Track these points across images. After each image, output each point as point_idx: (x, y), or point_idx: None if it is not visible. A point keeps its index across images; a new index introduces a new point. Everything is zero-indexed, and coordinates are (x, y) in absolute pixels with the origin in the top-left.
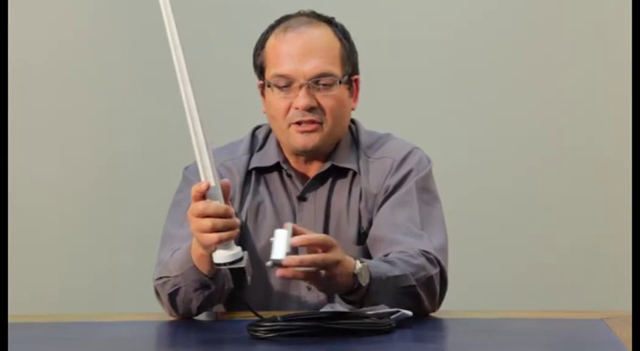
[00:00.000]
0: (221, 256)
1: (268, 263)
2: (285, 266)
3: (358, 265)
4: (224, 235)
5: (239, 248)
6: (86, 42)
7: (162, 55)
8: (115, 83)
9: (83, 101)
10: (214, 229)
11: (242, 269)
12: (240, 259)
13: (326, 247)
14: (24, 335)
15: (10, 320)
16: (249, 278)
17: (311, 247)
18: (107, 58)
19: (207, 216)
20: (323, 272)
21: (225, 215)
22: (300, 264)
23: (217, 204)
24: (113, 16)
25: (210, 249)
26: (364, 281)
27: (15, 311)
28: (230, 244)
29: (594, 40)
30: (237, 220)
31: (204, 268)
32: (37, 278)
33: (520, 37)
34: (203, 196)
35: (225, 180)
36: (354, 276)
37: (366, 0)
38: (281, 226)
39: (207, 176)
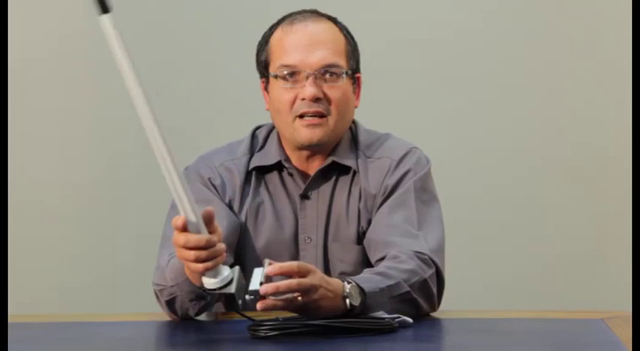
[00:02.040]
0: (210, 282)
1: (246, 297)
2: (263, 297)
3: (347, 286)
4: (209, 264)
5: (228, 271)
6: (86, 41)
7: (162, 55)
8: (115, 83)
9: (83, 101)
10: (198, 260)
11: (245, 265)
12: (230, 283)
13: (301, 274)
14: (24, 335)
15: (10, 320)
16: (239, 302)
17: (287, 275)
18: (107, 57)
19: (190, 248)
20: (300, 299)
21: (206, 247)
22: (276, 290)
23: (198, 237)
24: (113, 16)
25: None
26: (356, 301)
27: (15, 311)
28: (219, 269)
29: (595, 40)
30: (222, 246)
31: (196, 282)
32: (37, 278)
33: (520, 38)
34: (184, 229)
35: (209, 208)
36: (344, 298)
37: (367, 1)
38: (281, 227)
39: (186, 210)
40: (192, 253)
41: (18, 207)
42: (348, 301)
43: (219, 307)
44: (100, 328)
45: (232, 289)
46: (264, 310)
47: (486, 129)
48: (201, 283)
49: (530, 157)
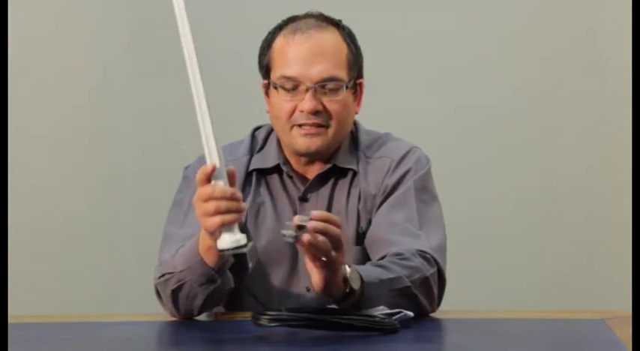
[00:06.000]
0: (224, 241)
1: (287, 232)
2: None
3: (347, 268)
4: (227, 217)
5: (244, 236)
6: (86, 40)
7: (164, 55)
8: (116, 83)
9: (83, 101)
10: (217, 212)
11: (245, 257)
12: (244, 246)
13: (340, 229)
14: (24, 335)
15: (10, 320)
16: (250, 265)
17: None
18: (108, 56)
19: (214, 199)
20: (334, 254)
21: (231, 198)
22: (324, 230)
23: (224, 187)
24: (113, 15)
25: (215, 236)
26: (355, 284)
27: (15, 311)
28: (235, 229)
29: (594, 41)
30: (243, 205)
31: (211, 261)
32: (38, 278)
33: (522, 38)
34: (209, 180)
35: (231, 167)
36: (345, 280)
37: (371, 2)
38: (281, 228)
39: (213, 157)
40: (213, 204)
41: (18, 207)
42: (348, 283)
43: (219, 307)
44: (100, 328)
45: (246, 249)
46: (310, 245)
47: (487, 129)
48: (215, 260)
49: (530, 157)
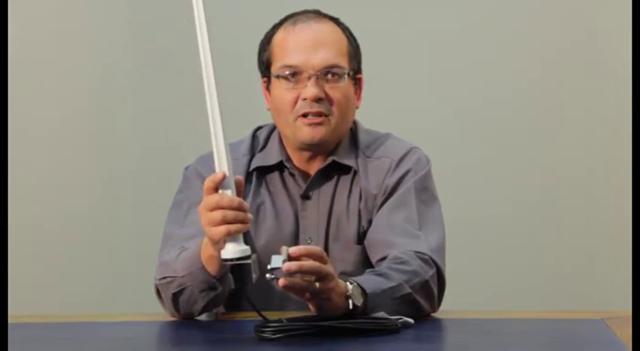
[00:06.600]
0: (229, 251)
1: (267, 275)
2: (284, 276)
3: (349, 286)
4: (233, 227)
5: (249, 247)
6: (86, 40)
7: (164, 55)
8: (116, 83)
9: (83, 101)
10: (224, 221)
11: (248, 267)
12: (248, 257)
13: (323, 260)
14: (24, 335)
15: (10, 320)
16: (254, 276)
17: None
18: (108, 56)
19: (221, 208)
20: (317, 284)
21: (238, 208)
22: (300, 269)
23: (231, 197)
24: (113, 15)
25: (219, 245)
26: (358, 301)
27: (15, 311)
28: (239, 240)
29: (595, 41)
30: (250, 216)
31: (212, 269)
32: (38, 278)
33: (522, 38)
34: (216, 189)
35: (239, 177)
36: (347, 298)
37: (370, 2)
38: (281, 227)
39: (223, 166)
40: (220, 213)
41: (18, 207)
42: (350, 300)
43: (219, 307)
44: (100, 328)
45: (250, 260)
46: (286, 288)
47: (487, 129)
48: (217, 269)
49: (530, 157)
